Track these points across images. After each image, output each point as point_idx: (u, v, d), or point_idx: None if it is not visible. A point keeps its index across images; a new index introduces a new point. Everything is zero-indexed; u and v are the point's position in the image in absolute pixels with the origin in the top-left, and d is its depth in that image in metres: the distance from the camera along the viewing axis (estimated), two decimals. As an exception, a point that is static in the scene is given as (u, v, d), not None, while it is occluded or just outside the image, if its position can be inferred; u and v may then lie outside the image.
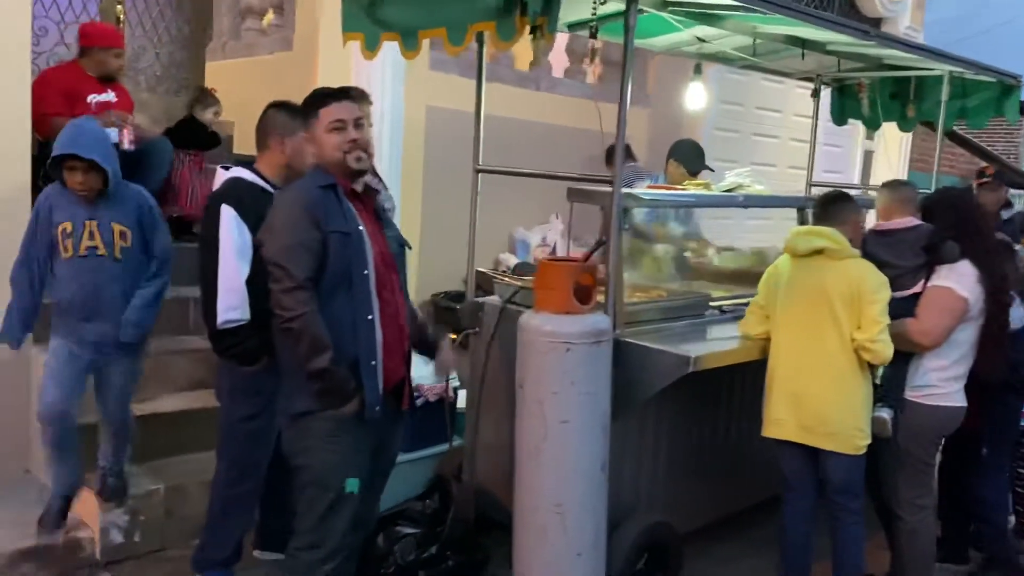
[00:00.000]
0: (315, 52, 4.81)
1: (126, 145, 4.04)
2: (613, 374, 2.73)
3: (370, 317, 2.46)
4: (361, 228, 2.49)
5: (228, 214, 2.68)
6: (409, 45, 2.84)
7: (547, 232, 5.97)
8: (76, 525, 3.19)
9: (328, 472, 2.45)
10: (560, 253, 5.58)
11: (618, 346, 2.78)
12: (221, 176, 2.86)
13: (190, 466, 3.48)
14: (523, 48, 4.83)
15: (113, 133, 4.01)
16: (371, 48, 2.91)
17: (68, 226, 2.98)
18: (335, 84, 3.65)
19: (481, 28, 2.53)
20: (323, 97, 2.56)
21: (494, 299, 3.34)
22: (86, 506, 3.21)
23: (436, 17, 2.67)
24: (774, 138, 7.86)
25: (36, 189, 3.61)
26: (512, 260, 5.65)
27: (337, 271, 2.43)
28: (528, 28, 2.35)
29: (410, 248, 2.77)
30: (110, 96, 4.11)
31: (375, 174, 3.59)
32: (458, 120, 5.19)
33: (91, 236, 2.98)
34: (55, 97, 3.89)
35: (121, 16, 8.08)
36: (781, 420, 2.96)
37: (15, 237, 3.15)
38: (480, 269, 3.79)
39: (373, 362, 2.46)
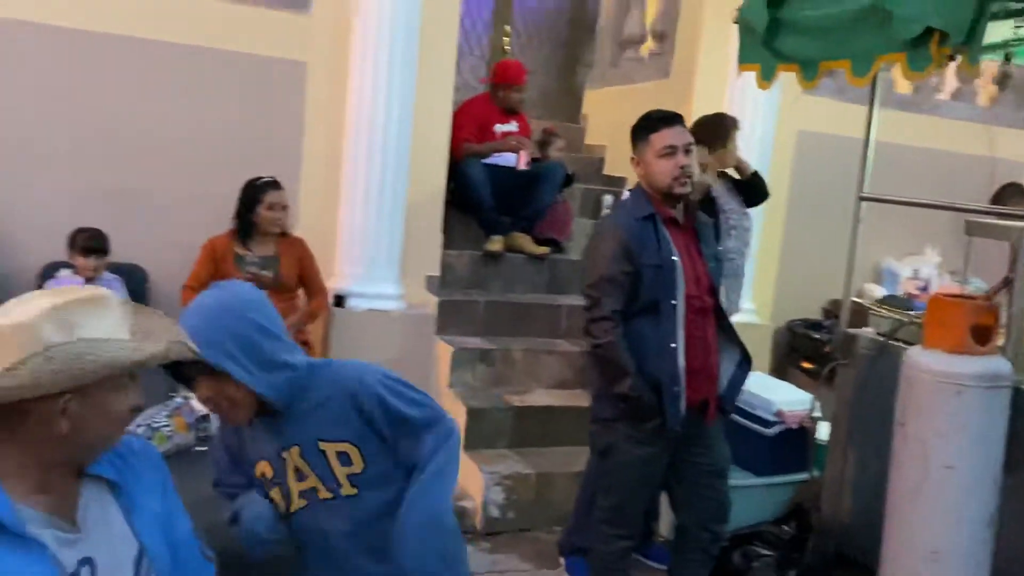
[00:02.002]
0: (692, 79, 5.00)
1: (522, 166, 4.56)
2: (1009, 423, 2.53)
3: (673, 345, 2.52)
4: (674, 258, 2.54)
5: None
6: (808, 76, 2.88)
7: (920, 264, 5.59)
8: (462, 495, 3.66)
9: (624, 470, 2.63)
10: (935, 288, 5.19)
11: (1018, 394, 2.57)
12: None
13: (558, 457, 3.80)
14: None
15: (512, 156, 4.56)
16: (767, 79, 2.99)
17: None
18: (710, 110, 3.83)
19: (890, 59, 2.50)
20: (655, 121, 2.59)
21: (868, 331, 3.24)
22: (471, 479, 3.66)
23: (841, 49, 2.67)
24: None
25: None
26: (878, 291, 5.37)
27: (646, 300, 2.53)
28: (944, 58, 2.29)
29: (719, 261, 2.79)
30: (513, 126, 4.67)
31: (735, 190, 3.67)
32: (829, 145, 5.09)
33: None
34: (470, 125, 4.51)
35: (506, 48, 8.96)
36: None
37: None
38: (856, 300, 3.68)
39: (676, 388, 2.53)
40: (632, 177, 2.85)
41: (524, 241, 4.63)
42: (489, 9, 8.76)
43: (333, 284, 4.01)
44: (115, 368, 1.18)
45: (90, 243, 3.37)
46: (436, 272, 4.36)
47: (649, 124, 2.59)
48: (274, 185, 3.64)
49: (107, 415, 1.21)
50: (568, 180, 4.91)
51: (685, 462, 2.70)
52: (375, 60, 3.91)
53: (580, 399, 3.90)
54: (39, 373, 1.11)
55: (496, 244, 4.57)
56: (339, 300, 3.99)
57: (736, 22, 3.12)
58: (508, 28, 8.84)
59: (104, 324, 1.18)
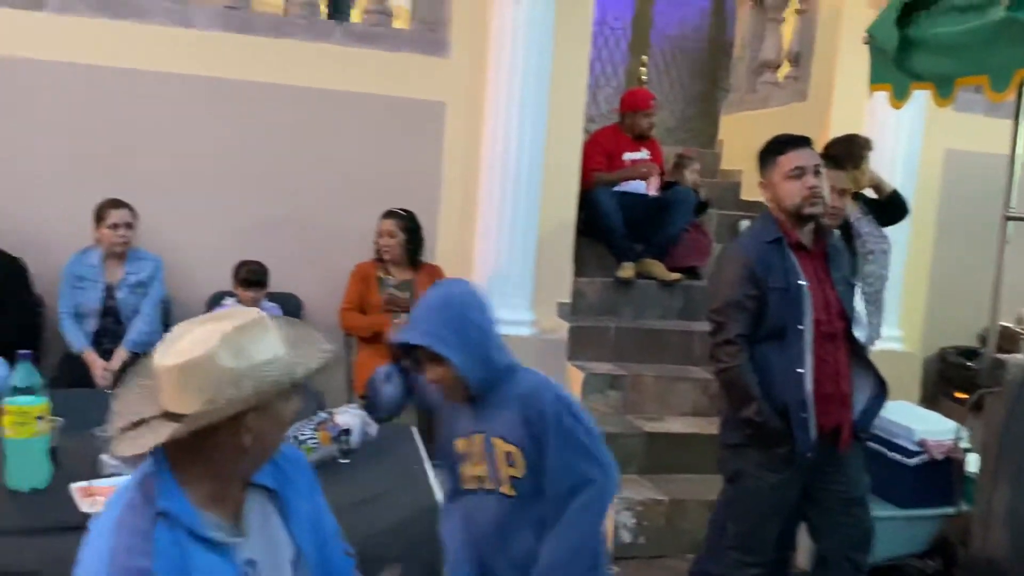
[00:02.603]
0: (829, 101, 4.90)
1: (652, 192, 4.61)
2: None
3: (800, 370, 2.48)
4: (802, 283, 2.50)
5: None
6: (943, 93, 2.80)
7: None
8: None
9: (754, 497, 2.59)
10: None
11: None
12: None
13: (691, 484, 3.79)
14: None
15: (642, 183, 4.62)
16: (900, 98, 2.93)
17: None
18: (849, 131, 3.76)
19: (1031, 73, 2.41)
20: (782, 144, 2.58)
21: (1018, 357, 3.08)
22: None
23: (976, 65, 2.59)
24: None
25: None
26: (1038, 317, 5.02)
27: (772, 324, 2.50)
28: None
29: (851, 285, 2.71)
30: (643, 154, 4.73)
31: (871, 212, 3.57)
32: (981, 163, 4.83)
33: None
34: (599, 155, 4.61)
35: (643, 77, 9.03)
36: None
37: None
38: (1004, 324, 3.50)
39: (804, 414, 2.48)
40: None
41: (656, 267, 4.66)
42: (626, 40, 8.88)
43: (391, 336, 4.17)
44: (287, 383, 1.31)
45: (251, 276, 3.68)
46: (568, 299, 4.45)
47: (776, 146, 2.60)
48: (388, 215, 3.89)
49: (280, 424, 1.35)
50: (702, 206, 4.89)
51: (820, 489, 2.65)
52: (508, 98, 4.09)
53: (714, 427, 3.86)
54: (231, 400, 1.23)
55: (627, 271, 4.62)
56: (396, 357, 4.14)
57: (866, 42, 3.08)
58: (645, 58, 8.92)
59: (269, 343, 1.30)
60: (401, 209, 3.94)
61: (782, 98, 5.64)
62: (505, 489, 1.83)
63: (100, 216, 3.59)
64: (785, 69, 5.76)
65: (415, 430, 2.76)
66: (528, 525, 1.81)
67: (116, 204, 3.60)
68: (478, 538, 1.88)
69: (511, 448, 1.81)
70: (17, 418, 2.04)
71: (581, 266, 4.63)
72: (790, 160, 2.54)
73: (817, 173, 2.55)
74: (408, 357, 1.90)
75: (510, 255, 4.22)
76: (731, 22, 9.10)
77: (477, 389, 1.83)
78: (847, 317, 2.62)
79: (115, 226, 3.58)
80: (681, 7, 9.00)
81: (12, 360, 2.14)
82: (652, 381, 4.24)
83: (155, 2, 3.89)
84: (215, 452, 1.29)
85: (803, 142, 2.60)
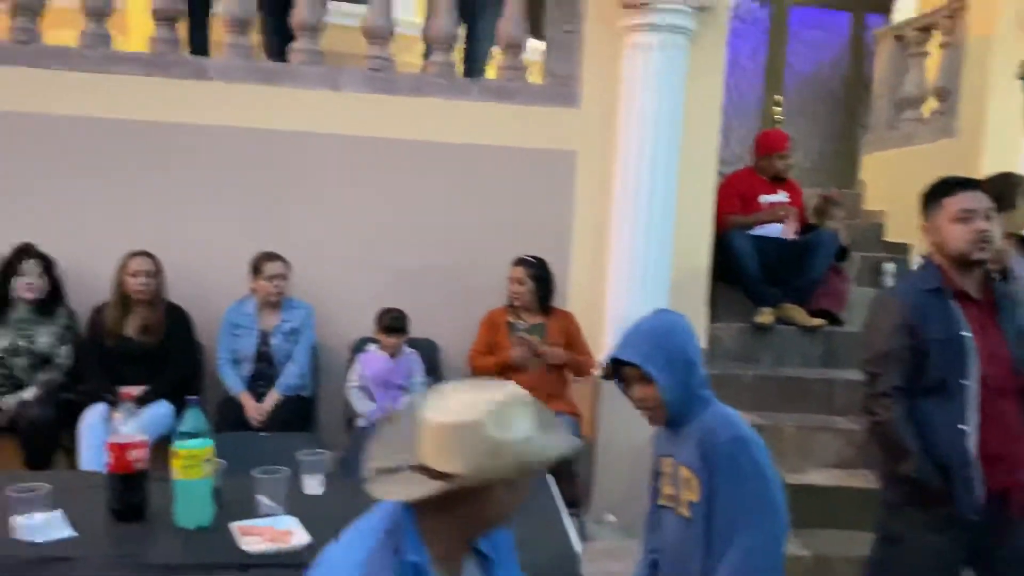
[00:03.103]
0: (981, 137, 4.68)
1: (790, 236, 4.50)
2: None
3: (963, 427, 2.34)
4: (964, 334, 2.36)
5: None
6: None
7: None
8: None
9: (913, 558, 2.43)
10: None
11: None
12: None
13: (837, 539, 3.62)
14: None
15: (779, 227, 4.52)
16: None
17: None
18: (1002, 169, 3.56)
19: None
20: (951, 185, 2.46)
21: None
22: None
23: None
24: None
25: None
26: None
27: (932, 378, 2.37)
28: None
29: None
30: (781, 196, 4.63)
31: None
32: None
33: None
34: (733, 198, 4.55)
35: (777, 117, 8.87)
36: None
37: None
38: None
39: (967, 473, 2.33)
40: (917, 243, 2.74)
41: (796, 312, 4.53)
42: (759, 79, 8.77)
43: (602, 359, 4.18)
44: (537, 463, 1.37)
45: (394, 323, 3.84)
46: (703, 345, 4.38)
47: (943, 188, 2.48)
48: (519, 263, 3.99)
49: (519, 499, 1.41)
50: (844, 251, 4.73)
51: (989, 552, 2.47)
52: (640, 145, 4.11)
53: (860, 479, 3.71)
54: (492, 469, 1.30)
55: (765, 316, 4.51)
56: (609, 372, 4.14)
57: (1020, 78, 2.93)
58: (779, 98, 8.77)
59: (527, 422, 1.34)
60: (532, 256, 4.02)
61: (928, 135, 5.41)
62: (684, 511, 1.95)
63: (257, 268, 3.84)
64: (931, 105, 5.54)
65: (550, 477, 2.78)
66: (700, 549, 1.90)
67: (271, 257, 3.85)
68: (664, 551, 2.06)
69: (690, 475, 1.92)
70: (187, 461, 2.19)
71: (717, 311, 4.56)
72: (958, 202, 2.42)
73: (988, 218, 2.43)
74: (616, 374, 2.02)
75: (643, 300, 4.18)
76: (869, 58, 8.83)
77: (674, 414, 1.94)
78: (1021, 371, 2.44)
79: (271, 278, 3.82)
80: (816, 45, 8.82)
81: (179, 404, 2.30)
82: (793, 431, 4.10)
83: (308, 68, 4.16)
84: (460, 515, 1.36)
85: (973, 184, 2.50)
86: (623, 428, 3.91)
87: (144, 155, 4.08)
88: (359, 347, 4.07)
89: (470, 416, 1.30)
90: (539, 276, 3.99)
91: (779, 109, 8.74)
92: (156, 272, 3.76)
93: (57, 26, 4.27)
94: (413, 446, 1.34)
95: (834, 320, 4.59)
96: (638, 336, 1.96)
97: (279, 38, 4.44)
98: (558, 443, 1.38)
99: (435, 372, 4.11)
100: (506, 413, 1.32)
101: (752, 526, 1.82)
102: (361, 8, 4.45)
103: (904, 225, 3.78)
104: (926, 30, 5.64)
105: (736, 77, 8.03)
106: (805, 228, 4.67)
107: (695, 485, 1.90)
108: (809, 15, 8.77)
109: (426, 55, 4.49)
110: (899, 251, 5.20)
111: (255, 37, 4.38)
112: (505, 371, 3.81)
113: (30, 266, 3.69)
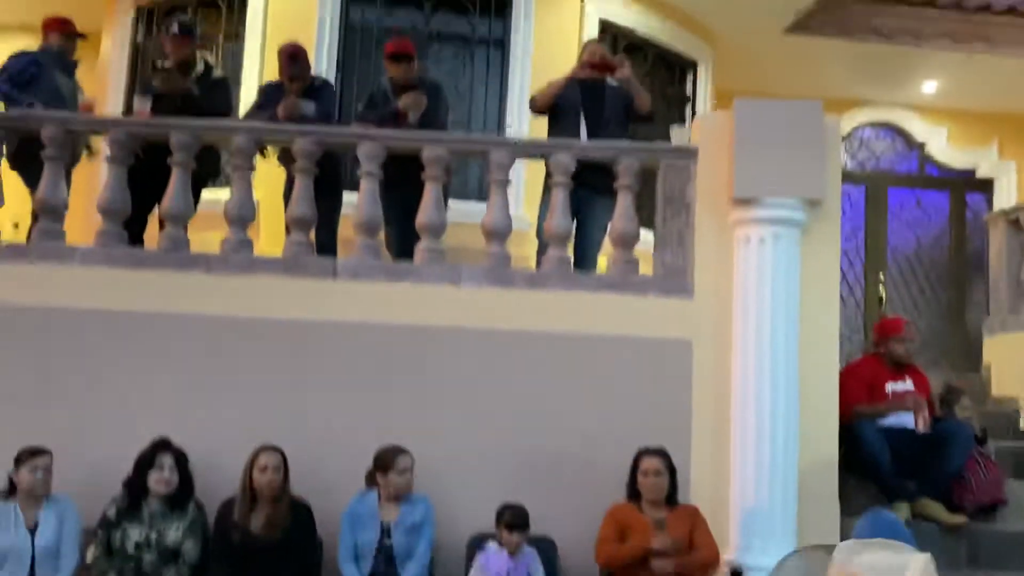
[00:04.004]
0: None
1: (920, 428, 4.32)
2: None
3: None
4: None
5: None
6: None
7: None
8: None
9: None
10: None
11: None
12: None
13: None
14: None
15: (908, 417, 4.35)
16: None
17: None
18: None
19: None
20: None
21: None
22: None
23: None
24: None
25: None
26: None
27: None
28: None
29: None
30: (906, 384, 4.49)
31: None
32: None
33: None
34: (859, 387, 4.44)
35: (882, 295, 8.76)
36: None
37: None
38: None
39: None
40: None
41: (935, 508, 4.26)
42: (860, 259, 8.75)
43: (728, 556, 3.99)
44: None
45: (515, 519, 3.76)
46: (836, 540, 4.12)
47: None
48: (653, 453, 3.89)
49: None
50: (983, 436, 4.51)
51: None
52: (758, 335, 4.09)
53: None
54: None
55: (901, 511, 4.25)
56: (736, 573, 3.94)
57: None
58: (883, 275, 8.70)
59: None
60: (659, 447, 3.94)
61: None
62: None
63: (385, 463, 3.86)
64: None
65: None
66: None
67: (400, 451, 3.88)
68: None
69: None
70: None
71: (848, 505, 4.31)
72: None
73: None
74: None
75: (769, 494, 4.03)
76: (974, 232, 8.76)
77: None
78: None
79: (401, 472, 3.84)
80: (915, 222, 8.83)
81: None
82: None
83: (430, 266, 4.37)
84: None
85: None
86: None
87: (275, 351, 4.28)
88: (476, 543, 3.98)
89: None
90: (671, 467, 3.90)
91: (883, 287, 8.65)
92: (283, 467, 3.84)
93: (198, 229, 4.62)
94: None
95: (981, 516, 4.29)
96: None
97: (402, 234, 4.71)
98: None
99: (553, 571, 3.96)
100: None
101: None
102: (479, 206, 4.71)
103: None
104: (1042, 214, 5.59)
105: (838, 256, 8.03)
106: (935, 419, 4.48)
107: None
108: (907, 195, 8.85)
109: (540, 249, 4.67)
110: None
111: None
112: (642, 562, 3.65)
113: (165, 460, 3.81)
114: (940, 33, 7.48)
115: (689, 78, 7.34)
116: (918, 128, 8.75)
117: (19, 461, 3.73)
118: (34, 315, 4.27)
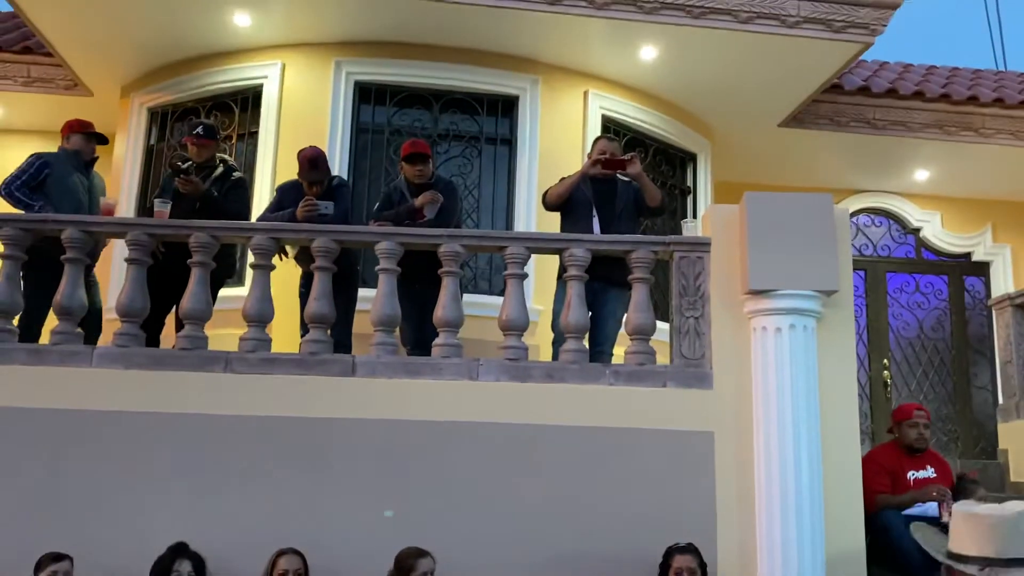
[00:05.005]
0: None
1: (945, 518, 4.26)
2: None
3: None
4: None
5: None
6: None
7: None
8: None
9: None
10: None
11: None
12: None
13: None
14: None
15: (933, 507, 4.30)
16: None
17: None
18: None
19: None
20: None
21: None
22: None
23: None
24: None
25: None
26: None
27: None
28: None
29: None
30: (929, 472, 4.46)
31: None
32: None
33: None
34: (881, 475, 4.40)
35: (888, 380, 8.75)
36: None
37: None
38: None
39: None
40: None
41: (965, 601, 4.16)
42: (863, 344, 8.78)
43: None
44: None
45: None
46: (866, 636, 4.04)
47: None
48: (684, 550, 3.84)
49: None
50: None
51: None
52: (780, 425, 4.08)
53: None
54: None
55: (932, 604, 4.16)
56: None
57: None
58: (886, 360, 8.72)
59: None
60: (688, 544, 3.88)
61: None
62: None
63: (406, 566, 3.77)
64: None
65: None
66: None
67: (422, 554, 3.80)
68: None
69: None
70: None
71: (876, 597, 4.24)
72: None
73: None
74: None
75: (798, 588, 3.95)
76: (976, 317, 8.84)
77: None
78: None
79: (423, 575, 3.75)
80: (915, 306, 8.91)
81: None
82: None
83: (447, 361, 4.37)
84: None
85: None
86: None
87: (293, 450, 4.23)
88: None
89: None
90: (703, 564, 3.83)
91: (887, 373, 8.66)
92: (303, 570, 3.75)
93: (213, 326, 4.63)
94: None
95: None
96: None
97: (416, 328, 4.74)
98: None
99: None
100: None
101: None
102: (495, 299, 4.75)
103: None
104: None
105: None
106: (953, 506, 4.43)
107: None
108: (906, 279, 8.96)
109: (556, 341, 4.68)
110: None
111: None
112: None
113: (184, 567, 3.72)
114: (929, 124, 7.74)
115: (689, 170, 7.52)
116: (913, 214, 8.94)
117: (40, 566, 3.64)
118: (52, 417, 4.24)
